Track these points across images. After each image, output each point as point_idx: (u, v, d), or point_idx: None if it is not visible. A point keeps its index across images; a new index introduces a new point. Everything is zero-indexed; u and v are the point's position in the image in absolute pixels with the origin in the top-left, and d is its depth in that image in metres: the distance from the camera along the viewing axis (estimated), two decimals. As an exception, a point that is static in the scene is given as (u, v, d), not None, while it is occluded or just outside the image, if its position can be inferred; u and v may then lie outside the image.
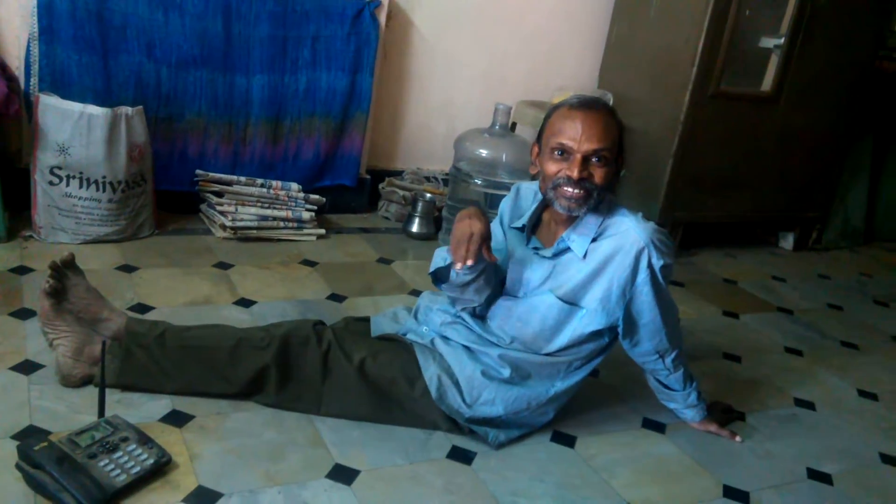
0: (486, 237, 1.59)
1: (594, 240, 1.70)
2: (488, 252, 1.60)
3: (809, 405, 2.22)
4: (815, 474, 1.88)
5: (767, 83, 3.25)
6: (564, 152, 1.63)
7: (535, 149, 1.74)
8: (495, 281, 1.76)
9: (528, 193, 1.88)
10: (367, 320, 1.94)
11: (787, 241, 3.76)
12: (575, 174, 1.61)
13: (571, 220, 1.72)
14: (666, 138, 3.15)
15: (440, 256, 1.74)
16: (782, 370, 2.42)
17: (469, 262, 1.57)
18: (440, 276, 1.76)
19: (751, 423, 2.07)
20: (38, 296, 1.72)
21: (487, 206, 2.90)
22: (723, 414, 2.04)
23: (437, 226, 3.10)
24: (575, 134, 1.61)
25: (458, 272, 1.64)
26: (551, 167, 1.65)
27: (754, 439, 1.99)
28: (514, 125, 3.25)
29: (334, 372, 1.74)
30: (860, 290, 3.32)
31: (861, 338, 2.77)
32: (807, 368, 2.47)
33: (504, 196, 1.95)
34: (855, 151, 3.74)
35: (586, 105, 1.65)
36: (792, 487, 1.82)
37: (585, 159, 1.61)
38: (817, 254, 3.74)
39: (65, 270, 1.74)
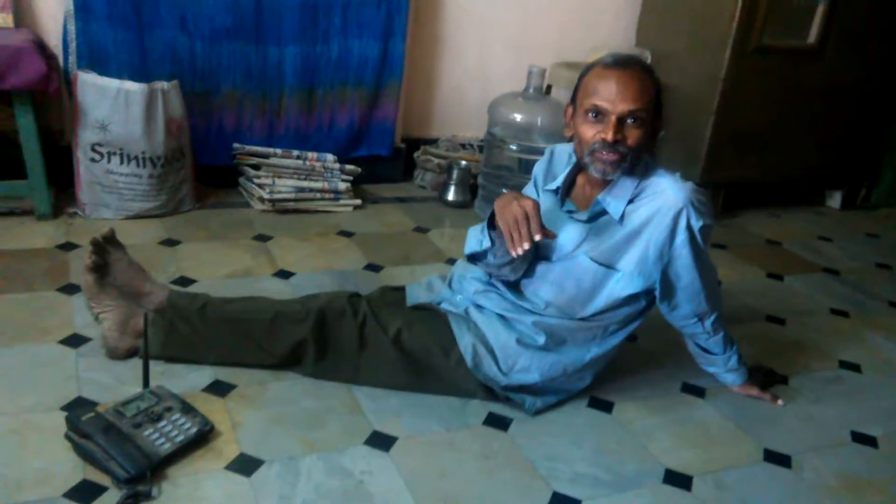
0: (539, 213, 1.52)
1: (631, 202, 1.68)
2: (546, 230, 1.53)
3: (855, 367, 2.18)
4: (859, 437, 1.85)
5: (813, 36, 3.14)
6: (599, 114, 1.59)
7: (569, 110, 1.71)
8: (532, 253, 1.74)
9: (563, 155, 1.85)
10: (402, 289, 1.94)
11: (835, 200, 3.65)
12: (609, 136, 1.57)
13: (606, 183, 1.69)
14: (706, 96, 3.07)
15: (475, 239, 1.70)
16: (827, 332, 2.37)
17: (537, 237, 1.49)
18: (477, 255, 1.74)
19: (793, 387, 2.04)
20: (81, 271, 1.77)
21: (522, 172, 2.87)
22: (765, 377, 2.01)
23: (472, 193, 3.09)
24: (609, 94, 1.57)
25: (517, 254, 1.53)
26: (587, 131, 1.62)
27: (797, 402, 1.96)
28: (549, 88, 3.19)
29: (370, 344, 1.76)
30: (911, 248, 3.23)
31: (911, 297, 2.70)
32: (853, 330, 2.41)
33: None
34: (906, 104, 3.60)
35: (621, 64, 1.60)
36: (835, 450, 1.79)
37: (620, 120, 1.58)
38: (866, 212, 3.63)
39: (106, 246, 1.78)
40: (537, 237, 1.50)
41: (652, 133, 1.64)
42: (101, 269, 1.76)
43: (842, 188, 3.61)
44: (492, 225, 1.63)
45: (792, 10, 3.09)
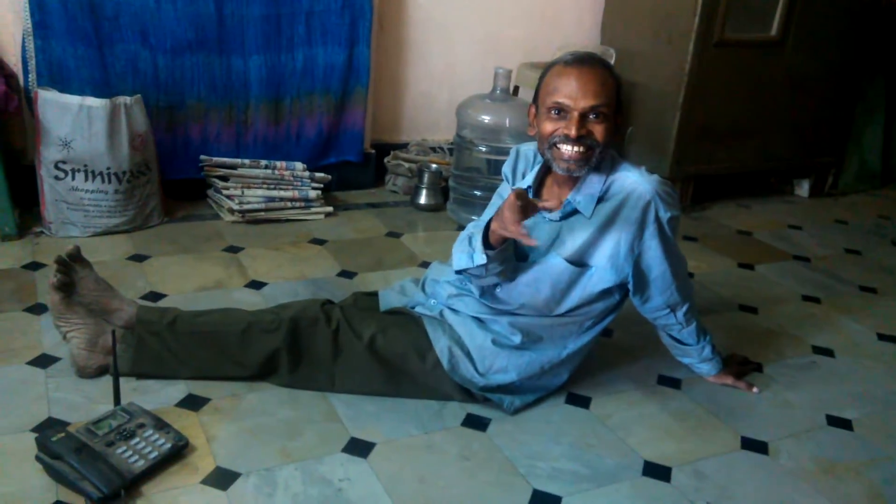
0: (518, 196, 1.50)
1: (600, 199, 1.68)
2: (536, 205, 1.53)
3: (828, 352, 2.20)
4: (834, 420, 1.87)
5: (774, 28, 3.17)
6: (561, 111, 1.60)
7: (532, 110, 1.72)
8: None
9: (528, 154, 1.86)
10: (375, 295, 1.93)
11: (803, 188, 3.69)
12: (573, 132, 1.58)
13: (575, 181, 1.69)
14: (672, 91, 3.10)
15: (465, 255, 1.65)
16: (799, 318, 2.40)
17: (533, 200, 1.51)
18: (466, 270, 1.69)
19: (768, 374, 2.05)
20: (48, 290, 1.74)
21: (491, 173, 2.88)
22: (739, 366, 2.03)
23: (444, 196, 3.08)
24: (571, 91, 1.58)
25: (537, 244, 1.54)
26: (548, 127, 1.62)
27: (772, 389, 1.98)
28: (516, 89, 3.20)
29: (345, 350, 1.75)
30: (878, 232, 3.27)
31: (880, 281, 2.73)
32: (825, 315, 2.44)
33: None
34: (868, 92, 3.65)
35: (581, 61, 1.61)
36: (811, 435, 1.81)
37: (583, 116, 1.58)
38: (834, 199, 3.68)
39: (71, 264, 1.75)
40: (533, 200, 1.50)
41: (615, 128, 1.65)
42: (67, 287, 1.73)
43: (809, 176, 3.65)
44: (487, 245, 1.60)
45: (753, 3, 3.13)
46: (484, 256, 1.59)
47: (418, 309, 1.85)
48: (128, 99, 2.47)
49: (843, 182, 3.74)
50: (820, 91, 3.39)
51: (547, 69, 1.66)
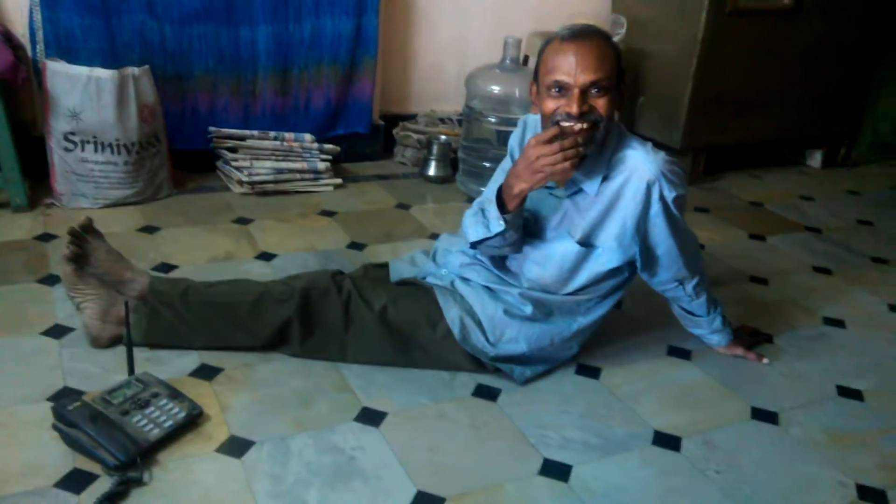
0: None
1: (605, 178, 1.66)
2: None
3: (839, 323, 2.20)
4: (845, 391, 1.87)
5: (790, -4, 3.13)
6: (562, 88, 1.56)
7: (533, 88, 1.68)
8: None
9: (536, 126, 1.83)
10: (385, 266, 1.94)
11: (815, 159, 3.67)
12: (574, 109, 1.54)
13: (581, 158, 1.67)
14: (684, 60, 3.06)
15: (481, 226, 1.65)
16: (810, 290, 2.39)
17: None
18: (481, 241, 1.70)
19: (778, 345, 2.05)
20: (60, 261, 1.75)
21: (501, 144, 2.86)
22: (750, 337, 2.03)
23: (453, 168, 3.07)
24: (569, 68, 1.54)
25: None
26: (550, 105, 1.58)
27: (782, 360, 1.98)
28: (526, 58, 3.17)
29: (356, 321, 1.75)
30: (891, 203, 3.24)
31: (892, 252, 2.72)
32: (836, 286, 2.43)
33: (515, 132, 1.90)
34: (883, 63, 3.60)
35: (578, 35, 1.57)
36: (821, 405, 1.81)
37: (584, 92, 1.55)
38: (847, 170, 3.65)
39: (84, 235, 1.76)
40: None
41: (619, 98, 1.62)
42: (80, 258, 1.74)
43: (822, 147, 3.62)
44: (502, 209, 1.61)
45: (767, -30, 3.08)
46: (501, 223, 1.60)
47: (429, 279, 1.85)
48: (136, 70, 2.46)
49: (857, 153, 3.71)
50: (835, 60, 3.34)
51: (545, 45, 1.61)
